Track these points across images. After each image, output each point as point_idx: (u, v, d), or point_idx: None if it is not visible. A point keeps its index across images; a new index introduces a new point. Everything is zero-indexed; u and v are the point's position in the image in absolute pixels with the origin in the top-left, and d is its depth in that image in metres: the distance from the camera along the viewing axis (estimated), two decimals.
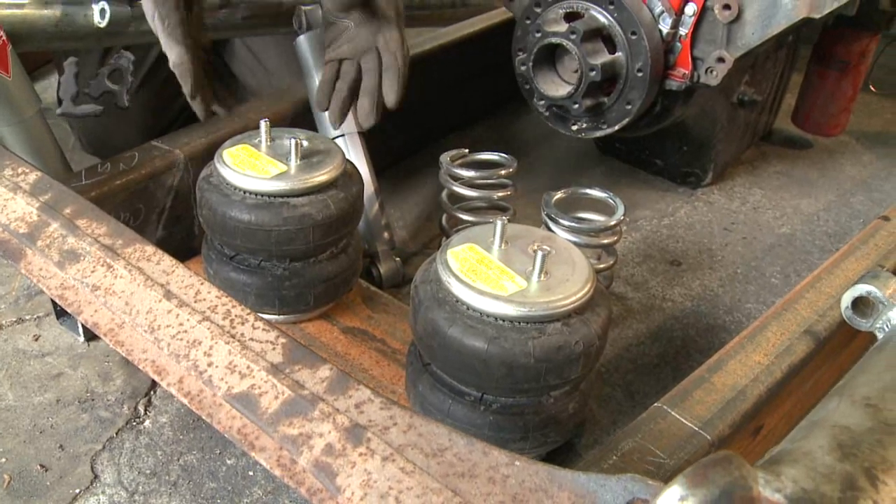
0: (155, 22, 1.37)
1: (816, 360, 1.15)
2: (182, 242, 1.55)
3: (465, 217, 1.52)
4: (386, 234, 1.60)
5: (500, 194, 1.52)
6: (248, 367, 0.78)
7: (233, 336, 0.80)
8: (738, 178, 2.18)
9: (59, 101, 2.01)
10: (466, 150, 1.57)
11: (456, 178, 1.52)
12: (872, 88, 2.68)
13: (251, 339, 0.80)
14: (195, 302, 0.85)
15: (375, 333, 1.37)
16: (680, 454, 0.96)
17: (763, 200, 2.09)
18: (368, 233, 1.58)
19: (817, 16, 1.52)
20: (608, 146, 2.19)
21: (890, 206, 1.48)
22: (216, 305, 0.84)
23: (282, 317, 1.35)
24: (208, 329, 0.81)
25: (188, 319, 0.83)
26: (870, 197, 2.14)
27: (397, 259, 1.62)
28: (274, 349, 0.79)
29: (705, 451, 0.97)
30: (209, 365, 0.79)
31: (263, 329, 0.81)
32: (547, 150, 2.20)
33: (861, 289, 0.91)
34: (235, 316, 0.83)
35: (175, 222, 1.54)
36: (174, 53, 1.38)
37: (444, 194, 1.56)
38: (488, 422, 1.06)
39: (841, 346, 1.22)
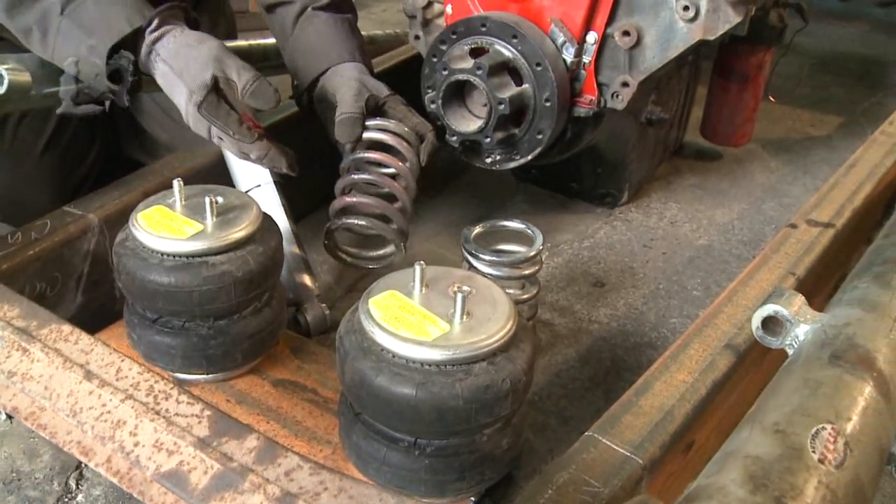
0: (215, 138, 1.44)
1: (739, 372, 1.19)
2: (103, 307, 1.52)
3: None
4: (309, 282, 1.60)
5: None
6: (175, 444, 0.77)
7: (157, 413, 0.80)
8: (654, 194, 2.23)
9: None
10: None
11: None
12: (772, 98, 2.78)
13: (176, 415, 0.79)
14: (117, 380, 0.84)
15: (307, 384, 1.36)
16: (614, 481, 0.98)
17: (679, 214, 2.14)
18: (292, 282, 1.58)
19: (711, 37, 1.58)
20: (525, 174, 2.22)
21: (797, 211, 1.54)
22: (139, 382, 0.83)
23: (210, 376, 1.33)
24: (132, 408, 0.81)
25: (111, 399, 0.82)
26: (780, 202, 2.22)
27: (323, 305, 1.62)
28: (200, 422, 0.78)
29: (638, 476, 0.99)
30: (136, 445, 0.78)
31: (188, 403, 0.80)
32: (465, 183, 2.22)
33: (768, 309, 0.94)
34: (159, 391, 0.82)
35: (94, 287, 1.51)
36: (254, 152, 1.46)
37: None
38: (424, 465, 1.06)
39: (761, 356, 1.26)
